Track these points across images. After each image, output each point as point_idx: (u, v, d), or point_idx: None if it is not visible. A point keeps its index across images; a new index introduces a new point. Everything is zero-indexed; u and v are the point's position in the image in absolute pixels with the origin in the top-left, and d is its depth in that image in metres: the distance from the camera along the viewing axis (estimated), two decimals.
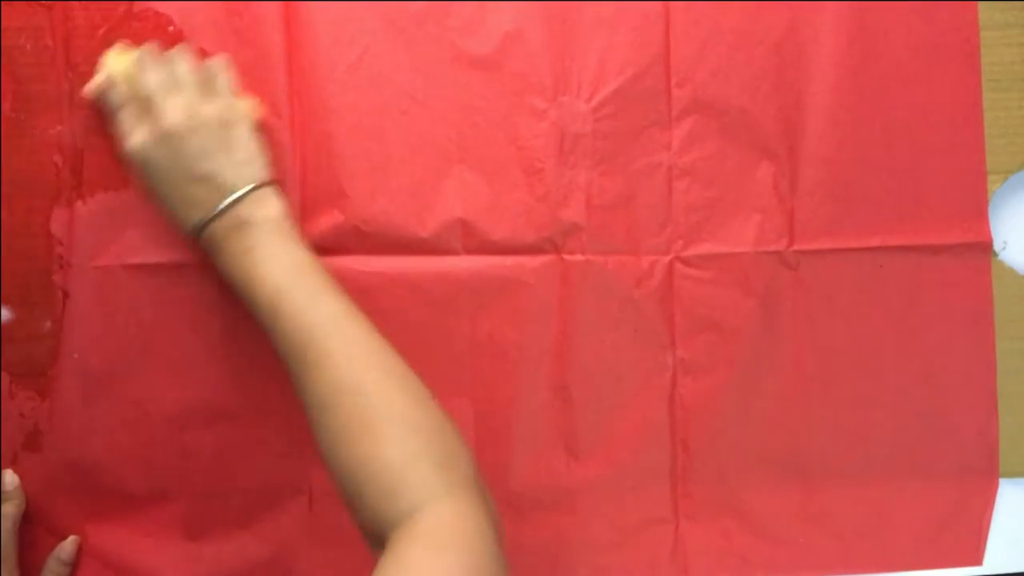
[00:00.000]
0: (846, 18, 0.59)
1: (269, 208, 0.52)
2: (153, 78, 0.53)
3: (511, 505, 0.59)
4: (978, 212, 0.59)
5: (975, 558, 0.60)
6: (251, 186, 0.52)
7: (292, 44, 0.57)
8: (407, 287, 0.58)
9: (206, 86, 0.54)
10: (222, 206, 0.51)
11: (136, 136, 0.52)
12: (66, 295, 0.57)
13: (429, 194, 0.58)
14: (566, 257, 0.59)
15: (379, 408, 0.46)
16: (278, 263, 0.50)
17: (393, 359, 0.48)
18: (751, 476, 0.60)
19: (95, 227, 0.57)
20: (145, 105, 0.53)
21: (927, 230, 0.60)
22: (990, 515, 0.60)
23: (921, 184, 0.60)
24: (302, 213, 0.57)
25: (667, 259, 0.59)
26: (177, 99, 0.52)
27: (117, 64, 0.54)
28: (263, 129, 0.55)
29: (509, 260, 0.58)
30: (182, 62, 0.54)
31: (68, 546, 0.57)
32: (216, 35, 0.57)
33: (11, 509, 0.56)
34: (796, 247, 0.59)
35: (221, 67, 0.55)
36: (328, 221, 0.58)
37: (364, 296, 0.57)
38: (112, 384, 0.57)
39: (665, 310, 0.59)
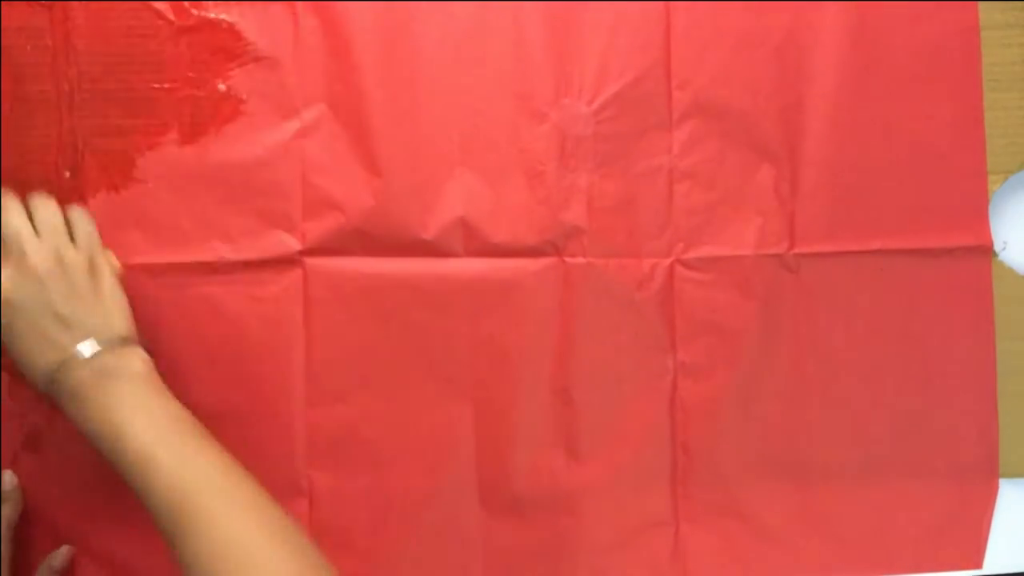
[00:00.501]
0: (847, 20, 0.59)
1: (136, 362, 0.50)
2: (17, 220, 0.51)
3: (512, 506, 0.59)
4: (979, 214, 0.60)
5: (975, 560, 0.60)
6: (119, 336, 0.51)
7: (300, 46, 0.57)
8: (408, 289, 0.58)
9: (61, 232, 0.53)
10: (87, 351, 0.49)
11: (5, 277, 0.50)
12: None
13: (431, 196, 0.58)
14: (567, 260, 0.59)
15: (264, 567, 0.44)
16: (149, 417, 0.48)
17: (271, 509, 0.47)
18: (751, 478, 0.60)
19: (97, 228, 0.57)
20: (10, 246, 0.51)
21: (928, 233, 0.60)
22: (990, 517, 0.60)
23: (922, 187, 0.60)
24: (304, 214, 0.57)
25: (668, 262, 0.59)
26: (35, 244, 0.51)
27: None
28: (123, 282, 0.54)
29: (510, 262, 0.58)
30: (46, 208, 0.53)
31: (61, 554, 0.56)
32: (213, 35, 0.57)
33: (8, 511, 0.55)
34: (797, 250, 0.60)
35: (82, 217, 0.54)
36: (331, 222, 0.58)
37: (365, 298, 0.57)
38: None
39: (666, 313, 0.59)
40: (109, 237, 0.57)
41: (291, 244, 0.57)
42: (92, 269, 0.52)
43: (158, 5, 0.57)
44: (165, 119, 0.57)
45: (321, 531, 0.58)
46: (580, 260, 0.59)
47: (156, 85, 0.57)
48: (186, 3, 0.57)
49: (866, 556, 0.60)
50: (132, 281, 0.57)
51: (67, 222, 0.53)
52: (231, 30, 0.57)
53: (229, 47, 0.57)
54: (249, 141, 0.57)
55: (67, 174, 0.57)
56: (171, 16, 0.57)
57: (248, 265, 0.57)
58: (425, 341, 0.58)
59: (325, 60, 0.57)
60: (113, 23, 0.57)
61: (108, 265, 0.53)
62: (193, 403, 0.56)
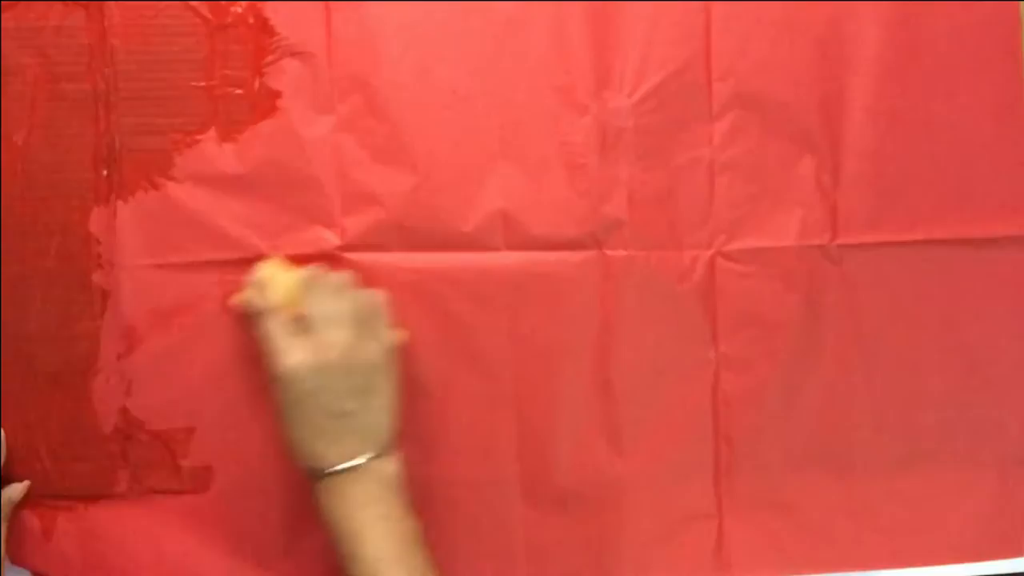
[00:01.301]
0: (888, 11, 0.59)
1: (392, 465, 0.53)
2: (321, 305, 0.53)
3: (555, 499, 0.59)
4: (1023, 203, 0.59)
5: (1020, 549, 0.60)
6: (387, 441, 0.52)
7: (334, 40, 0.57)
8: (448, 283, 0.58)
9: (366, 323, 0.53)
10: (360, 460, 0.51)
11: (293, 356, 0.51)
12: (106, 295, 0.57)
13: (471, 189, 0.58)
14: (608, 252, 0.59)
15: None
16: (387, 528, 0.50)
17: None
18: (794, 471, 0.60)
19: (135, 226, 0.57)
20: (305, 328, 0.52)
21: (971, 223, 0.60)
22: None
23: (965, 177, 0.59)
24: (343, 209, 0.57)
25: (709, 254, 0.59)
26: (341, 332, 0.52)
27: (276, 280, 0.54)
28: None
29: (551, 256, 0.58)
30: (348, 295, 0.54)
31: (19, 488, 0.56)
32: (248, 32, 0.57)
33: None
34: (839, 241, 0.59)
35: (380, 305, 0.55)
36: (370, 217, 0.58)
37: (405, 292, 0.57)
38: (153, 383, 0.57)
39: (707, 305, 0.59)
40: (147, 235, 0.57)
41: (330, 239, 0.57)
42: (381, 368, 0.53)
43: (194, 3, 0.57)
44: (202, 117, 0.57)
45: None
46: (621, 253, 0.59)
47: (193, 83, 0.57)
48: (222, 1, 0.57)
49: (910, 548, 0.60)
50: (173, 280, 0.57)
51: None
52: (265, 26, 0.57)
53: (264, 43, 0.57)
54: (286, 137, 0.57)
55: (104, 172, 0.57)
56: (207, 14, 0.57)
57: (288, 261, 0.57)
58: (466, 335, 0.58)
59: (360, 53, 0.57)
60: (149, 22, 0.57)
61: (394, 359, 0.54)
62: (232, 402, 0.56)
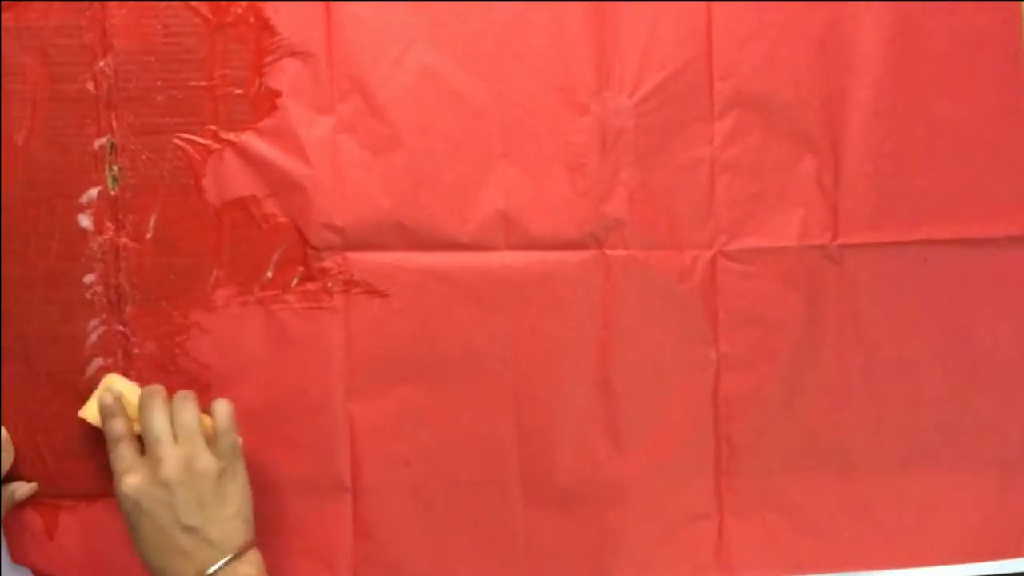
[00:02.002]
0: (889, 12, 0.59)
1: (251, 569, 0.52)
2: (159, 425, 0.53)
3: (555, 499, 0.59)
4: (1023, 204, 0.59)
5: (1019, 550, 0.60)
6: (241, 544, 0.52)
7: (334, 40, 0.57)
8: (449, 283, 0.58)
9: (208, 437, 0.53)
10: (212, 568, 0.50)
11: (130, 479, 0.51)
12: None
13: (472, 189, 0.58)
14: (608, 252, 0.59)
15: None
16: None
17: None
18: (795, 471, 0.60)
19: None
20: (149, 449, 0.52)
21: (972, 223, 0.60)
22: None
23: (965, 177, 0.59)
24: (343, 209, 0.57)
25: (710, 254, 0.59)
26: (178, 450, 0.52)
27: (123, 393, 0.55)
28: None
29: (551, 255, 0.58)
30: (187, 411, 0.53)
31: (26, 488, 0.57)
32: (249, 31, 0.57)
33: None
34: (840, 241, 0.59)
35: (225, 417, 0.54)
36: (370, 217, 0.58)
37: (406, 292, 0.57)
38: (152, 381, 0.57)
39: (708, 305, 0.59)
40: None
41: (331, 240, 0.57)
42: (222, 475, 0.52)
43: (195, 4, 0.57)
44: (202, 117, 0.57)
45: (364, 526, 0.58)
46: (621, 252, 0.59)
47: (193, 83, 0.57)
48: (223, 0, 0.57)
49: (909, 548, 0.60)
50: None
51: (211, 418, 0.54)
52: (266, 26, 0.57)
53: (264, 43, 0.57)
54: (286, 136, 0.57)
55: (104, 171, 0.57)
56: (207, 14, 0.57)
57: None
58: (466, 335, 0.58)
59: (360, 53, 0.57)
60: (150, 21, 0.57)
61: (241, 467, 0.54)
62: (234, 398, 0.56)
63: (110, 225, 0.57)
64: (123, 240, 0.57)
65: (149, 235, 0.57)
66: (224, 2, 0.57)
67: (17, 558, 0.57)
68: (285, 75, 0.57)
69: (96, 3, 0.56)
